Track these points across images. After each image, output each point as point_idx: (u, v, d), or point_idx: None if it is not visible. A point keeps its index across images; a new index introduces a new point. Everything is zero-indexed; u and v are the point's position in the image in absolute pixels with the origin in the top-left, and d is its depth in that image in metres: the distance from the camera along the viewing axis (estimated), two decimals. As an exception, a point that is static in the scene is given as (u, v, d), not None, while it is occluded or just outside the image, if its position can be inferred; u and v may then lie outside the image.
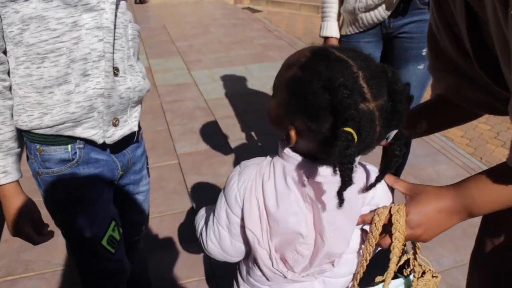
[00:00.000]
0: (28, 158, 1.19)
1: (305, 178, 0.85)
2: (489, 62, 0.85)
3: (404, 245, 0.90)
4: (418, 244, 1.03)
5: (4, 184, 1.08)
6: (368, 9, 1.81)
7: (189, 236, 2.39)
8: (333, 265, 0.95)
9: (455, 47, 0.94)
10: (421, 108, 1.18)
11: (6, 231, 2.40)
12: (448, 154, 3.24)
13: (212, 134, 3.48)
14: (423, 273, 1.05)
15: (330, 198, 0.82)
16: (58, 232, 1.27)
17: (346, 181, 0.72)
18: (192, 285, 2.08)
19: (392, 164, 0.80)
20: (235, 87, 4.36)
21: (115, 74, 1.13)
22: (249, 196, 0.91)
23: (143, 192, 1.46)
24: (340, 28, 2.05)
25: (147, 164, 1.46)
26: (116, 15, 1.11)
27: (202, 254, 2.26)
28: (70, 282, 2.10)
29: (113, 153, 1.25)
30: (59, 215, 1.20)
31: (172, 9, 7.91)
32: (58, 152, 1.13)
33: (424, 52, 1.85)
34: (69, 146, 1.14)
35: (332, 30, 2.05)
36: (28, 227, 1.14)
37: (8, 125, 1.07)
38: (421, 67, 1.90)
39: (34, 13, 0.99)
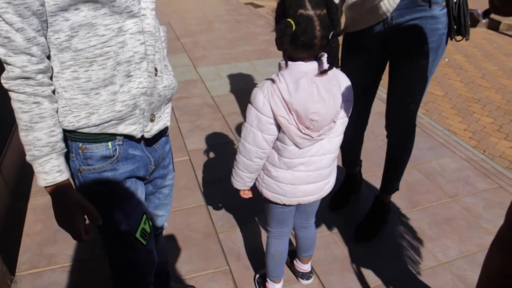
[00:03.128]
0: (66, 156, 1.24)
1: (309, 70, 1.41)
2: None
3: None
4: None
5: (60, 182, 1.15)
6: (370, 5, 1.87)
7: (202, 230, 2.47)
8: (335, 122, 1.51)
9: None
10: None
11: (27, 225, 2.50)
12: (451, 147, 3.30)
13: (221, 130, 3.55)
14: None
15: (325, 82, 1.42)
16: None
17: (285, 48, 1.35)
18: (208, 277, 2.17)
19: (334, 55, 1.36)
20: (241, 83, 4.43)
21: (155, 74, 1.22)
22: (272, 97, 1.41)
23: (169, 186, 1.55)
24: (344, 26, 2.11)
25: (172, 159, 1.55)
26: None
27: (215, 248, 2.34)
28: (93, 275, 2.18)
29: (147, 146, 1.34)
30: (98, 209, 1.26)
31: (176, 6, 7.94)
32: (100, 149, 1.21)
33: (426, 47, 1.89)
34: (109, 143, 1.22)
35: None
36: (81, 221, 1.21)
37: (58, 126, 1.14)
38: (423, 61, 1.95)
39: (84, 20, 1.06)
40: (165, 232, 2.40)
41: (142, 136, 1.27)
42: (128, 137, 1.26)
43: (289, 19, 1.30)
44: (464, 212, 2.61)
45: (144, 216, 1.37)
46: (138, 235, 1.34)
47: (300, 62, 1.41)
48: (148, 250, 1.42)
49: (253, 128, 1.49)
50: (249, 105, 1.48)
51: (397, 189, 2.45)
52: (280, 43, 1.36)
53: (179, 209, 2.62)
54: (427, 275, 2.19)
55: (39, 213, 2.60)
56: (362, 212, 2.53)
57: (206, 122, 3.69)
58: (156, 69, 1.23)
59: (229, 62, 4.96)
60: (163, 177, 1.50)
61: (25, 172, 2.92)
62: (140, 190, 1.36)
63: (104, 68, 1.12)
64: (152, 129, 1.29)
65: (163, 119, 1.34)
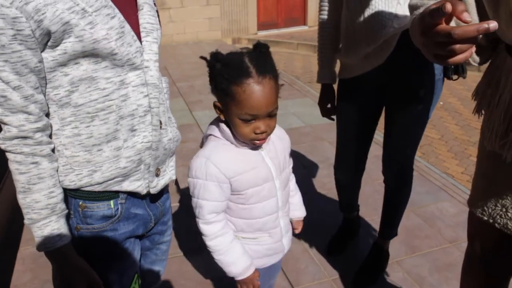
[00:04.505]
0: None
1: None
2: None
3: None
4: None
5: (60, 247, 1.08)
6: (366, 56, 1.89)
7: (197, 279, 2.39)
8: None
9: None
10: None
11: (15, 275, 2.41)
12: (449, 191, 3.27)
13: (216, 175, 3.51)
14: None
15: None
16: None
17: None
18: (202, 329, 2.08)
19: None
20: (237, 127, 4.40)
21: (160, 127, 1.18)
22: None
23: (166, 242, 1.49)
24: (338, 72, 2.12)
25: (171, 215, 1.49)
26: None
27: (210, 297, 2.26)
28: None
29: (150, 203, 1.28)
30: (92, 268, 1.18)
31: (172, 51, 8.07)
32: (101, 208, 1.15)
33: (422, 92, 1.90)
34: (111, 202, 1.16)
35: (325, 77, 2.16)
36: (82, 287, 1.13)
37: (59, 187, 1.08)
38: (420, 106, 1.94)
39: (84, 74, 1.03)
40: (158, 281, 2.34)
41: (147, 192, 1.22)
42: (132, 195, 1.20)
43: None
44: (465, 258, 2.55)
45: (136, 275, 1.30)
46: None
47: None
48: None
49: None
50: None
51: (396, 234, 2.40)
52: None
53: (174, 256, 2.55)
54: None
55: (28, 263, 2.52)
56: (360, 258, 2.47)
57: (202, 166, 3.65)
58: (160, 122, 1.19)
59: (225, 106, 4.94)
60: (162, 233, 1.44)
61: (15, 220, 2.86)
62: (136, 250, 1.30)
63: (107, 123, 1.08)
64: (158, 184, 1.24)
65: (168, 173, 1.29)
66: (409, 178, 2.19)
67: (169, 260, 2.47)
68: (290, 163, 1.55)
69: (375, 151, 2.66)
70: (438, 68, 1.89)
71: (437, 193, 3.25)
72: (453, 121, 4.97)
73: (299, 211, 1.67)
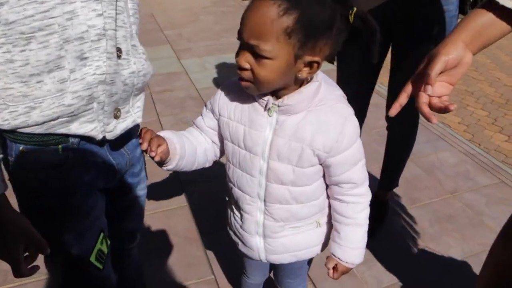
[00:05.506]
0: (4, 159, 0.98)
1: None
2: None
3: None
4: None
5: None
6: None
7: (184, 234, 2.27)
8: None
9: None
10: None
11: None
12: (448, 141, 3.16)
13: (205, 125, 3.36)
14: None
15: None
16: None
17: None
18: None
19: None
20: (226, 76, 4.21)
21: (118, 56, 0.96)
22: None
23: (140, 197, 1.29)
24: None
25: (145, 165, 1.28)
26: None
27: (199, 254, 2.15)
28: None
29: (112, 150, 1.08)
30: (42, 228, 0.99)
31: (159, -3, 7.73)
32: (47, 154, 0.95)
33: (435, 30, 1.73)
34: (59, 147, 0.96)
35: None
36: (20, 249, 0.94)
37: None
38: (432, 47, 1.77)
39: None
40: (142, 237, 2.20)
41: (105, 137, 1.00)
42: (86, 139, 0.99)
43: None
44: (466, 209, 2.46)
45: (101, 235, 1.11)
46: (93, 258, 1.09)
47: None
48: (104, 276, 1.16)
49: None
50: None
51: (397, 185, 2.29)
52: None
53: (158, 211, 2.41)
54: (430, 276, 2.05)
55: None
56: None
57: (190, 115, 3.49)
58: (119, 50, 0.96)
59: (215, 54, 4.76)
60: (133, 187, 1.23)
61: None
62: (99, 206, 1.11)
63: (47, 47, 0.86)
64: (116, 128, 1.01)
65: (132, 115, 1.06)
66: (414, 125, 2.08)
67: (152, 215, 2.36)
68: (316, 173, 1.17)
69: (372, 99, 2.51)
70: (453, 3, 1.71)
71: (436, 142, 3.15)
72: (451, 69, 4.82)
73: (338, 248, 1.23)
